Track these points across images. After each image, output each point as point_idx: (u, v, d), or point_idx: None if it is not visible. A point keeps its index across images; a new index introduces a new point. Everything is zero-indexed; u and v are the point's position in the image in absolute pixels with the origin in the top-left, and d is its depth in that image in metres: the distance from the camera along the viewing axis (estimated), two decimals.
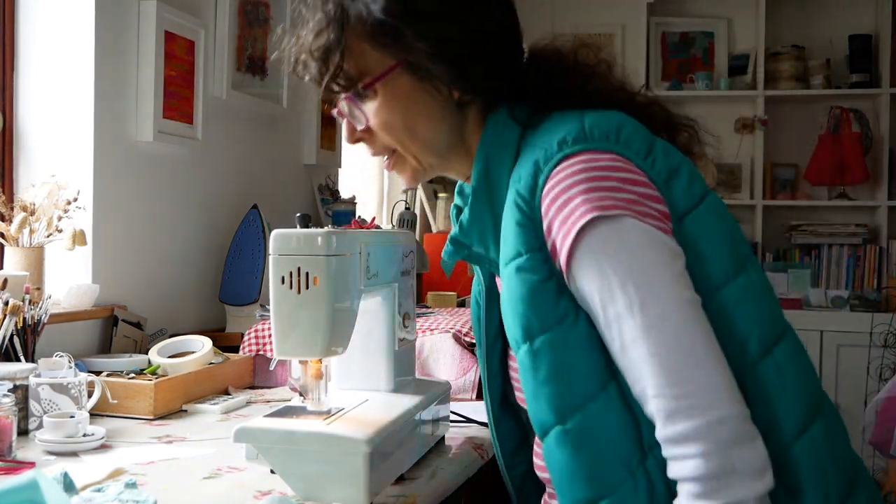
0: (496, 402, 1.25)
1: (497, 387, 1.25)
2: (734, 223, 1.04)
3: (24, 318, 1.60)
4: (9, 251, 1.84)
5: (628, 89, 1.15)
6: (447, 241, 1.15)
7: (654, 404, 0.93)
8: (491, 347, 1.24)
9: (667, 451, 0.93)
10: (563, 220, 0.97)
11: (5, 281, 1.63)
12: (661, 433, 0.93)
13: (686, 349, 0.93)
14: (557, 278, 1.00)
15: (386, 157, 1.18)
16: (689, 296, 0.96)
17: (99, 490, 1.12)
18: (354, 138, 1.16)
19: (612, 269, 0.95)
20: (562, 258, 0.98)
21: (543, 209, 1.00)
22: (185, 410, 1.71)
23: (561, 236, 0.97)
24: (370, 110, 1.12)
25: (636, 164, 1.00)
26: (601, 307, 0.96)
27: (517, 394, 1.21)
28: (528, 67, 1.15)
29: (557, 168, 0.99)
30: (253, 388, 1.97)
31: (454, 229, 1.13)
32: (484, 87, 1.11)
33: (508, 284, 1.03)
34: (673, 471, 0.93)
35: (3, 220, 1.83)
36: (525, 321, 1.00)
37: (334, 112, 1.17)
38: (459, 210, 1.25)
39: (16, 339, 1.58)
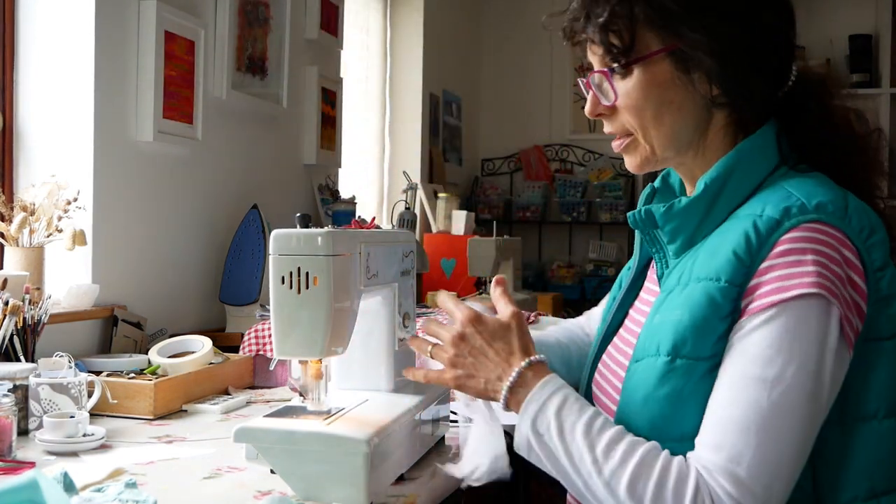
0: (589, 381, 1.25)
1: (593, 375, 1.24)
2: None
3: (24, 318, 1.60)
4: (9, 251, 1.84)
5: (878, 185, 1.15)
6: (642, 209, 1.13)
7: (725, 464, 0.95)
8: (611, 332, 1.23)
9: (715, 480, 0.95)
10: (788, 275, 0.97)
11: (5, 281, 1.63)
12: (721, 483, 0.95)
13: (789, 445, 0.96)
14: (732, 320, 1.00)
15: (619, 137, 1.14)
16: (824, 407, 0.98)
17: (99, 490, 1.12)
18: (596, 112, 1.14)
19: (794, 341, 0.96)
20: (760, 302, 0.98)
21: (774, 252, 0.99)
22: (185, 410, 1.71)
23: (775, 286, 0.97)
24: (622, 89, 1.10)
25: (867, 273, 1.01)
26: (753, 360, 0.97)
27: (594, 387, 1.21)
28: (796, 88, 1.13)
29: (807, 225, 0.99)
30: (253, 388, 1.97)
31: (659, 205, 1.11)
32: (745, 91, 1.09)
33: (689, 297, 1.02)
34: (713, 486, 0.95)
35: (3, 220, 1.83)
36: (680, 338, 1.01)
37: (581, 80, 1.15)
38: (653, 191, 1.24)
39: (16, 339, 1.58)
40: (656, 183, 1.25)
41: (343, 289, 1.17)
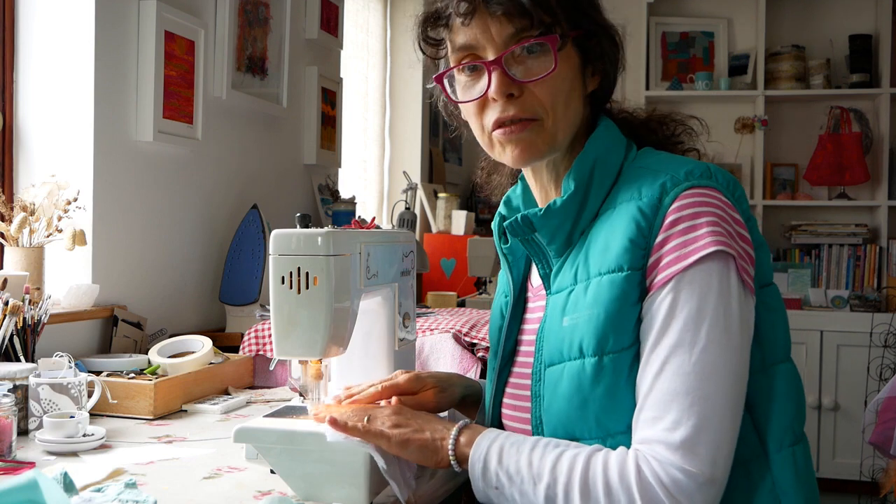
0: (497, 416, 1.26)
1: (499, 404, 1.25)
2: (785, 313, 1.11)
3: (24, 318, 1.60)
4: (9, 251, 1.84)
5: (696, 149, 1.22)
6: (518, 216, 1.14)
7: (663, 434, 0.97)
8: (506, 362, 1.24)
9: (656, 453, 0.97)
10: (684, 243, 1.00)
11: (5, 281, 1.63)
12: (662, 453, 0.97)
13: (721, 402, 0.98)
14: (642, 302, 1.02)
15: (520, 121, 1.10)
16: (744, 359, 1.01)
17: (99, 490, 1.12)
18: (506, 92, 1.09)
19: (702, 302, 0.99)
20: (663, 275, 1.00)
21: (664, 225, 1.02)
22: (185, 410, 1.71)
23: (674, 256, 1.00)
24: (544, 67, 1.09)
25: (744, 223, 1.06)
26: (667, 329, 0.99)
27: (506, 411, 1.22)
28: None
29: (686, 193, 1.03)
30: (253, 388, 1.97)
31: (535, 210, 1.13)
32: (612, 84, 1.16)
33: (596, 293, 1.04)
34: (655, 453, 0.97)
35: (3, 220, 1.83)
36: (602, 335, 1.03)
37: (449, 74, 1.14)
38: (503, 218, 1.25)
39: (16, 339, 1.58)
40: (502, 209, 1.27)
41: (343, 289, 1.17)
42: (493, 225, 1.27)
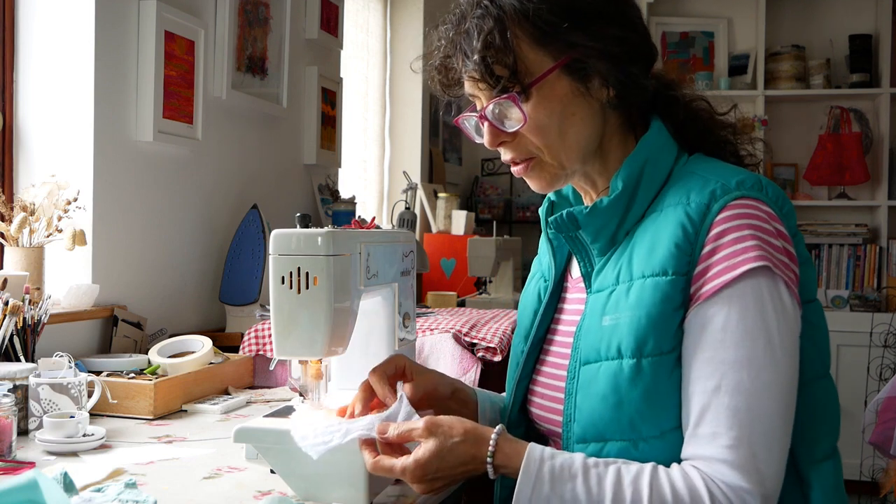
0: (518, 404, 1.25)
1: (523, 389, 1.25)
2: (826, 330, 1.11)
3: (24, 318, 1.60)
4: (9, 251, 1.84)
5: (751, 153, 1.23)
6: (564, 213, 1.13)
7: (725, 452, 0.97)
8: (534, 348, 1.24)
9: (720, 473, 0.97)
10: (732, 254, 1.00)
11: (5, 281, 1.63)
12: (726, 473, 0.97)
13: (776, 421, 0.98)
14: (684, 308, 1.02)
15: (519, 162, 1.15)
16: (795, 374, 1.01)
17: (99, 490, 1.11)
18: (498, 142, 1.14)
19: (756, 318, 0.99)
20: (711, 286, 1.00)
21: (712, 234, 1.02)
22: (185, 410, 1.71)
23: (722, 267, 1.00)
24: (518, 119, 1.10)
25: (791, 239, 1.05)
26: (722, 344, 0.99)
27: (535, 399, 1.22)
28: (655, 83, 1.17)
29: (735, 203, 1.03)
30: (253, 388, 1.97)
31: (580, 207, 1.12)
32: (637, 87, 1.11)
33: (639, 295, 1.04)
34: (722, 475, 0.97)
35: (3, 220, 1.83)
36: (642, 338, 1.02)
37: (463, 119, 1.17)
38: (551, 203, 1.26)
39: (16, 339, 1.58)
40: (552, 196, 1.26)
41: (343, 289, 1.17)
42: (541, 210, 1.27)
